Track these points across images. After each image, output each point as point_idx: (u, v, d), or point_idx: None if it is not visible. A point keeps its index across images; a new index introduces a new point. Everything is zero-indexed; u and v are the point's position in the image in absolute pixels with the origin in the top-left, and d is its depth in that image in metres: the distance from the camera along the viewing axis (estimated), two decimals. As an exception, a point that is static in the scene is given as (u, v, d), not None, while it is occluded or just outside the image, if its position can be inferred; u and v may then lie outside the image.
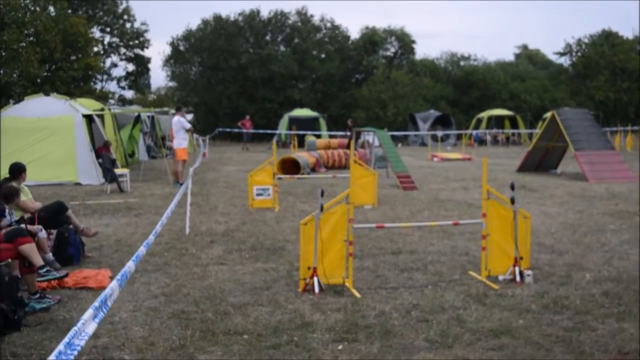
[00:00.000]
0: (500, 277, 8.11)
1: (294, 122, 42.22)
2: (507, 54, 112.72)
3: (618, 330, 6.32)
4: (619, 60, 57.02)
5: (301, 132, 39.15)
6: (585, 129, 21.65)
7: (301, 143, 36.30)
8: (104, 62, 52.93)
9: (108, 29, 53.66)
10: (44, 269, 7.72)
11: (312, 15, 57.49)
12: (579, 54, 62.43)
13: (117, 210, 14.26)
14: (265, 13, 56.33)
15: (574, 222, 12.39)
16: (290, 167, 21.63)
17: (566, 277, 8.28)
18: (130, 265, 5.32)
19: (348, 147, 24.11)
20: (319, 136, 39.55)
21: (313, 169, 22.93)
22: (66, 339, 3.62)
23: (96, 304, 4.22)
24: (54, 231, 9.35)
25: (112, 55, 55.19)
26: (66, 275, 7.99)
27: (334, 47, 56.72)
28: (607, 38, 59.71)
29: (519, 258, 8.09)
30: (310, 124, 43.42)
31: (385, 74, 54.95)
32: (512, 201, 8.04)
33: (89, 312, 4.07)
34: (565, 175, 21.83)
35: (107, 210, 14.23)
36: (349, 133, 29.02)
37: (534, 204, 14.89)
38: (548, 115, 24.31)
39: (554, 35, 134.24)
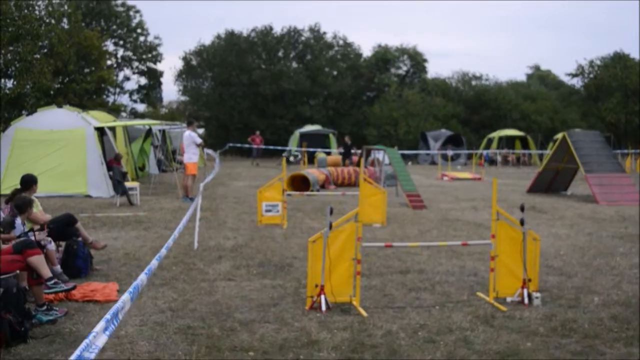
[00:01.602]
0: (509, 299, 8.07)
1: (305, 139, 42.28)
2: (519, 74, 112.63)
3: (626, 355, 6.27)
4: (630, 83, 56.89)
5: (312, 149, 39.19)
6: (596, 150, 21.59)
7: (311, 160, 36.35)
8: (116, 75, 53.18)
9: (121, 42, 54.01)
10: (52, 281, 7.74)
11: (325, 33, 57.75)
12: (591, 75, 62.35)
13: (126, 223, 14.28)
14: (278, 29, 56.62)
15: (583, 245, 12.33)
16: (299, 183, 21.64)
17: (575, 300, 8.23)
18: (142, 278, 5.34)
19: (358, 164, 24.10)
20: (329, 153, 39.57)
21: (323, 186, 22.94)
22: (77, 352, 3.61)
23: (108, 316, 4.23)
24: (63, 243, 9.38)
25: (125, 68, 55.55)
26: (74, 287, 7.99)
27: (346, 64, 56.88)
28: (619, 60, 59.63)
29: (527, 280, 8.05)
30: (320, 141, 43.45)
31: (397, 92, 55.04)
32: (522, 223, 8.01)
33: (101, 325, 4.07)
34: (575, 197, 21.75)
35: (116, 223, 14.26)
36: (342, 150, 29.24)
37: (544, 225, 14.83)
38: (559, 136, 24.27)
39: (566, 57, 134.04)
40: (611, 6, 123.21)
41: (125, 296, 4.65)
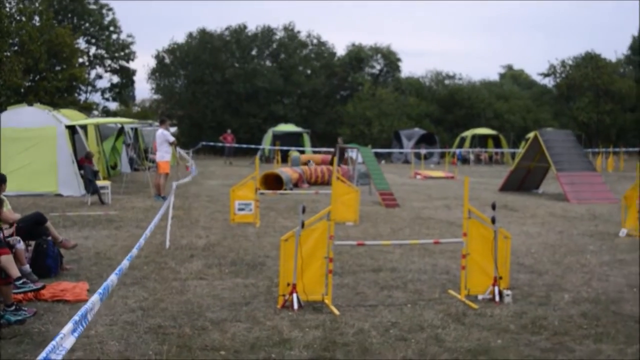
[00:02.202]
0: (480, 297, 8.11)
1: (278, 138, 42.24)
2: (492, 74, 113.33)
3: (596, 352, 6.33)
4: (602, 83, 57.60)
5: (285, 148, 39.15)
6: (567, 149, 21.78)
7: (285, 158, 36.30)
8: (88, 74, 52.71)
9: (94, 40, 53.51)
10: (21, 281, 7.63)
11: (299, 32, 57.73)
12: (563, 75, 63.00)
13: (97, 222, 14.16)
14: (252, 28, 56.49)
15: (554, 243, 12.43)
16: (273, 182, 21.60)
17: (545, 297, 8.29)
18: (112, 278, 5.28)
19: (331, 163, 24.12)
20: (302, 152, 39.55)
21: (296, 185, 22.92)
22: (43, 354, 3.56)
23: (76, 317, 4.18)
24: (32, 242, 9.27)
25: (97, 66, 55.03)
26: (43, 287, 7.89)
27: (320, 63, 56.89)
28: (590, 60, 60.27)
29: (498, 278, 8.10)
30: (294, 140, 43.41)
31: (371, 91, 55.17)
32: (493, 221, 8.05)
33: (69, 326, 4.02)
34: (546, 195, 21.93)
35: (87, 222, 14.14)
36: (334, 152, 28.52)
37: (515, 223, 14.94)
38: (531, 135, 24.46)
39: (538, 56, 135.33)
40: (583, 6, 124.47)
41: (95, 297, 4.60)
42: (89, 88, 54.36)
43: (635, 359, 6.17)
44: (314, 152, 39.73)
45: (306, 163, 28.23)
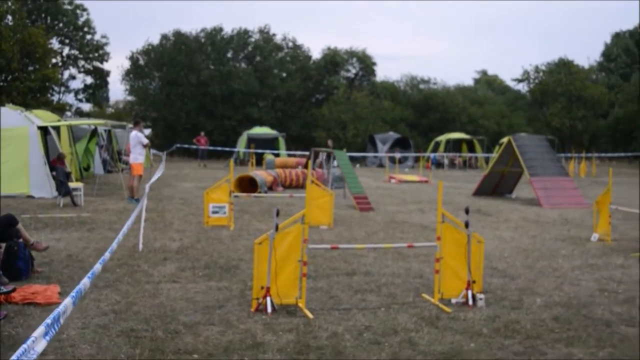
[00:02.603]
0: (453, 300, 8.14)
1: (253, 141, 42.18)
2: (467, 79, 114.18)
3: (567, 355, 6.37)
4: (575, 89, 58.19)
5: (260, 151, 39.11)
6: (540, 155, 21.96)
7: (259, 161, 36.25)
8: (62, 74, 52.34)
9: (67, 41, 53.17)
10: (-9, 284, 7.55)
11: (274, 34, 57.74)
12: (536, 81, 63.59)
13: (69, 224, 14.03)
14: (227, 30, 56.39)
15: (527, 247, 12.52)
16: (247, 185, 21.55)
17: (518, 301, 8.34)
18: (85, 282, 5.22)
19: (306, 166, 24.09)
20: (277, 155, 39.53)
21: (270, 188, 22.88)
22: (14, 357, 3.51)
23: (48, 321, 4.12)
24: (3, 245, 9.15)
25: (71, 67, 54.71)
26: (14, 290, 7.80)
27: (295, 66, 56.91)
28: (564, 66, 60.89)
29: (471, 281, 8.14)
30: (269, 143, 43.37)
31: (346, 95, 55.30)
32: (467, 225, 8.09)
33: (40, 330, 3.96)
34: (520, 200, 22.09)
35: (59, 224, 14.00)
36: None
37: (489, 228, 15.02)
38: (505, 140, 24.63)
39: (512, 62, 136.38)
40: (557, 12, 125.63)
41: (67, 300, 4.54)
42: (62, 89, 54.05)
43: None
44: (289, 155, 39.72)
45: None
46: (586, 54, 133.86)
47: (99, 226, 13.89)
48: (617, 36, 69.07)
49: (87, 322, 7.04)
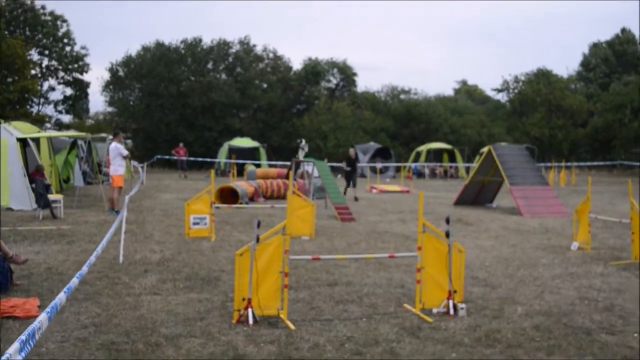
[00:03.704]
0: (434, 310, 8.15)
1: (234, 152, 42.13)
2: (447, 89, 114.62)
3: (548, 365, 6.40)
4: (554, 98, 58.69)
5: (241, 162, 39.06)
6: (520, 164, 22.09)
7: (241, 172, 36.20)
8: (41, 85, 52.01)
9: (47, 52, 52.85)
10: (-31, 297, 7.47)
11: (254, 45, 57.77)
12: (516, 90, 64.06)
13: (49, 237, 13.92)
14: (207, 41, 56.36)
15: (507, 256, 12.57)
16: (228, 196, 21.50)
17: (499, 310, 8.37)
18: (61, 297, 5.17)
19: (287, 177, 24.07)
20: (258, 166, 39.50)
21: (252, 199, 22.84)
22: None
23: (23, 337, 4.07)
24: (-19, 258, 9.07)
25: (50, 78, 54.35)
26: (-8, 303, 7.73)
27: (276, 77, 56.99)
28: (543, 76, 61.40)
29: (452, 291, 8.15)
30: (250, 154, 43.33)
31: (327, 105, 55.37)
32: (447, 235, 8.11)
33: (15, 346, 3.92)
34: (500, 209, 22.19)
35: (38, 237, 13.89)
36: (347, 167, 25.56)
37: (469, 237, 15.07)
38: (485, 150, 24.75)
39: (492, 72, 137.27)
40: (536, 22, 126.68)
41: (43, 316, 4.49)
42: (42, 100, 53.70)
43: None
44: (270, 166, 39.70)
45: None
46: (565, 63, 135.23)
47: (79, 238, 13.80)
48: (595, 46, 69.82)
49: (67, 335, 6.98)
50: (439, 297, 8.21)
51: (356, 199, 24.61)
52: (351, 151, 27.10)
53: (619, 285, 10.04)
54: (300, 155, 23.12)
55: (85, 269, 6.46)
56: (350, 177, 25.58)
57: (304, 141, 24.38)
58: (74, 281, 5.75)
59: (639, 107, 54.88)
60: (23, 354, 4.00)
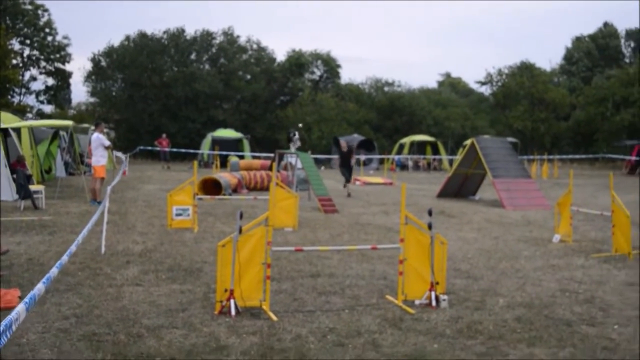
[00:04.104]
0: (417, 302, 8.18)
1: (217, 143, 42.01)
2: (431, 82, 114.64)
3: (529, 356, 6.43)
4: (537, 91, 58.93)
5: (224, 153, 38.97)
6: (503, 157, 22.16)
7: (224, 163, 36.12)
8: (22, 75, 51.61)
9: (28, 41, 52.42)
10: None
11: (238, 36, 57.58)
12: (499, 83, 64.26)
13: (30, 227, 13.83)
14: (191, 32, 56.11)
15: (490, 248, 12.62)
16: (211, 187, 21.44)
17: (480, 302, 8.41)
18: (39, 287, 5.13)
19: (270, 168, 24.03)
20: (242, 157, 39.41)
21: (235, 190, 22.79)
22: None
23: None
24: (-39, 248, 9.00)
25: (32, 68, 53.94)
26: (-28, 294, 7.68)
27: (259, 68, 56.83)
28: (526, 69, 61.63)
29: (435, 283, 8.18)
30: (233, 145, 43.22)
31: (311, 97, 55.31)
32: (430, 227, 8.13)
33: (-9, 338, 3.88)
34: (483, 201, 22.27)
35: (19, 227, 13.80)
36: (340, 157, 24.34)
37: (452, 229, 15.12)
38: (468, 142, 24.81)
39: (476, 65, 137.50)
40: (519, 15, 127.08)
41: (21, 307, 4.45)
42: (23, 90, 53.27)
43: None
44: (253, 158, 39.64)
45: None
46: (548, 57, 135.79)
47: (61, 229, 13.72)
48: (578, 40, 70.15)
49: (47, 326, 6.94)
50: (422, 289, 8.23)
51: (349, 194, 23.06)
52: (342, 143, 24.58)
53: (600, 277, 10.11)
54: (292, 147, 22.98)
55: (65, 258, 6.41)
56: (346, 170, 23.97)
57: (296, 134, 24.00)
58: (54, 271, 5.70)
59: (621, 100, 55.23)
60: (0, 346, 3.97)
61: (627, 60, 68.61)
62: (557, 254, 12.17)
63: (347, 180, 23.92)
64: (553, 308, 8.17)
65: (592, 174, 42.65)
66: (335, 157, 45.29)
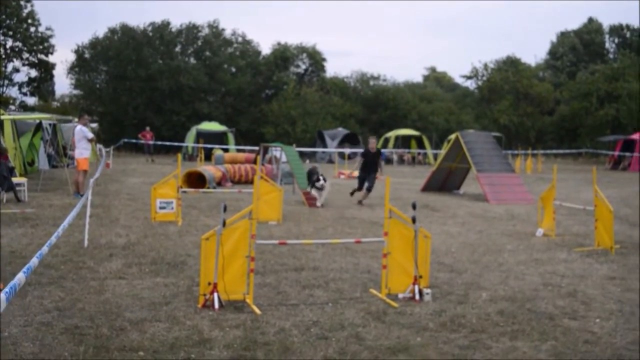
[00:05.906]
0: (400, 295, 8.19)
1: (202, 136, 41.90)
2: (416, 76, 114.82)
3: (511, 349, 6.46)
4: (522, 86, 59.17)
5: (208, 146, 38.87)
6: (487, 151, 22.24)
7: (208, 157, 36.03)
8: (5, 67, 51.18)
9: (10, 33, 51.95)
10: None
11: (223, 29, 57.43)
12: (484, 78, 64.42)
13: (12, 220, 13.73)
14: (176, 24, 55.88)
15: (473, 242, 12.67)
16: (195, 180, 21.38)
17: (464, 295, 8.43)
18: (20, 277, 5.08)
19: (255, 162, 23.99)
20: (226, 150, 39.33)
21: (219, 183, 22.74)
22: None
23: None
24: (-58, 241, 8.93)
25: (14, 59, 53.44)
26: (-47, 287, 7.61)
27: (245, 61, 56.68)
28: (511, 64, 61.84)
29: (418, 276, 8.20)
30: (218, 138, 43.12)
31: (296, 91, 55.24)
32: (414, 220, 8.14)
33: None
34: (467, 195, 22.34)
35: (1, 220, 13.68)
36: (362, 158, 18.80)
37: (436, 223, 15.16)
38: (452, 137, 24.88)
39: (461, 59, 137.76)
40: (505, 9, 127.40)
41: (1, 296, 4.41)
42: (6, 82, 52.84)
43: (549, 356, 6.32)
44: (238, 151, 39.57)
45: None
46: (533, 52, 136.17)
47: (44, 222, 13.64)
48: (563, 35, 70.44)
49: (29, 319, 6.90)
50: (405, 283, 8.25)
51: (360, 202, 18.93)
52: (372, 141, 19.76)
53: (582, 271, 10.17)
54: (314, 192, 18.20)
55: (45, 249, 6.35)
56: (368, 176, 18.90)
57: (320, 178, 18.30)
58: (34, 261, 5.65)
59: (605, 95, 55.58)
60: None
61: (611, 56, 68.97)
62: (540, 248, 12.23)
63: (369, 189, 18.85)
64: (535, 302, 8.21)
65: (575, 168, 42.87)
66: (320, 150, 45.45)
